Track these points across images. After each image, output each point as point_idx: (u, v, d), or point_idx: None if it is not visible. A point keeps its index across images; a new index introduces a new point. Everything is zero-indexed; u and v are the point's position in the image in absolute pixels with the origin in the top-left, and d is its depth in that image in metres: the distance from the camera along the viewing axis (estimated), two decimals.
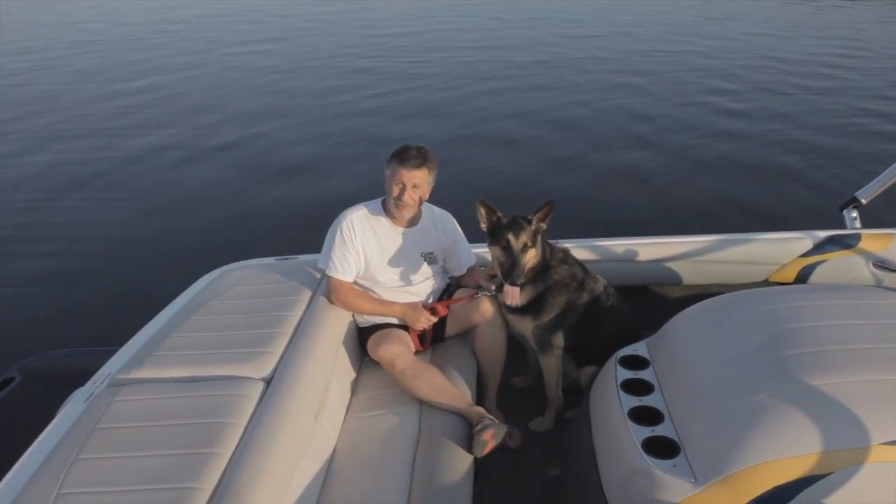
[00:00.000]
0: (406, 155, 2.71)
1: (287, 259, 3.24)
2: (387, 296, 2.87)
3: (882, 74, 11.65)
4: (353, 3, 21.96)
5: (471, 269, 3.06)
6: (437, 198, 2.96)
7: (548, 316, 2.79)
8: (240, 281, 2.97)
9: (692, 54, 13.59)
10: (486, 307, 2.84)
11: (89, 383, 2.37)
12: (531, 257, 2.68)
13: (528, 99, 10.37)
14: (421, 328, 2.86)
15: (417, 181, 2.72)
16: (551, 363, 2.88)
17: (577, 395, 2.85)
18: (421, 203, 2.83)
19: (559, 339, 2.83)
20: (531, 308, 2.78)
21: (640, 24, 17.74)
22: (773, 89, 10.60)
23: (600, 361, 2.62)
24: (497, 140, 8.48)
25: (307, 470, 2.12)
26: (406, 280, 2.88)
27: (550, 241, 2.87)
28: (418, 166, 2.70)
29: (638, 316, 2.97)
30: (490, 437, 2.35)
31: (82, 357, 3.04)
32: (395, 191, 2.73)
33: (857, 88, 10.71)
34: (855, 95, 10.24)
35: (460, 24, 18.29)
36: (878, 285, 3.18)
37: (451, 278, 3.12)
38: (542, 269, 2.76)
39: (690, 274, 3.38)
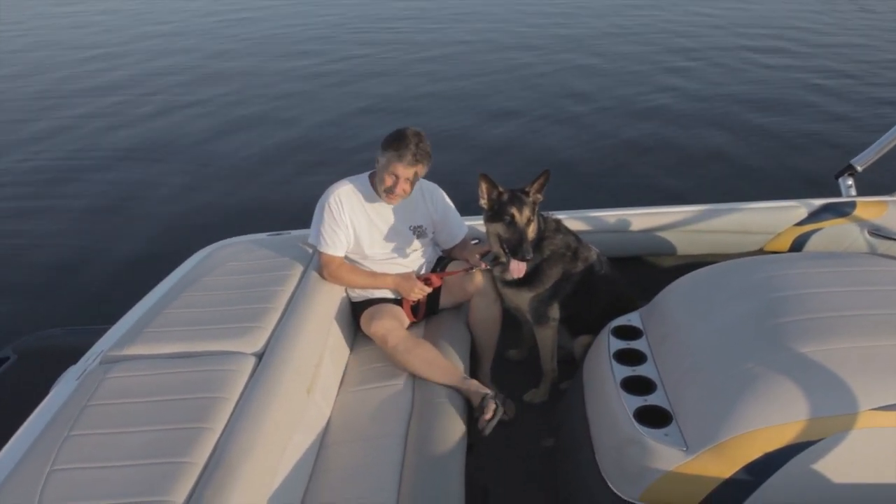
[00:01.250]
0: (405, 150, 2.60)
1: (279, 234, 3.22)
2: (377, 270, 2.86)
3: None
4: None
5: (464, 242, 3.04)
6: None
7: (544, 287, 2.78)
8: (232, 257, 2.95)
9: (654, 28, 13.53)
10: (481, 279, 2.83)
11: (82, 361, 2.37)
12: (532, 231, 2.67)
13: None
14: (415, 298, 2.84)
15: (411, 175, 2.66)
16: (547, 335, 2.88)
17: (571, 366, 2.85)
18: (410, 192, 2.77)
19: (555, 311, 2.82)
20: (527, 280, 2.76)
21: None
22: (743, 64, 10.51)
23: (595, 330, 2.62)
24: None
25: (299, 443, 2.13)
26: (395, 254, 2.86)
27: (542, 213, 2.86)
28: (415, 163, 2.63)
29: (632, 286, 2.96)
30: (495, 418, 2.38)
31: (76, 335, 3.04)
32: (388, 181, 2.67)
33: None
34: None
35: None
36: (874, 253, 3.17)
37: (443, 251, 3.10)
38: (538, 240, 2.75)
39: (685, 244, 3.36)
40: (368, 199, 2.80)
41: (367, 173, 2.84)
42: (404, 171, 2.64)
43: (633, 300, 2.80)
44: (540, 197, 2.70)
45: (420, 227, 2.89)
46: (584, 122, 7.90)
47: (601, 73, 10.05)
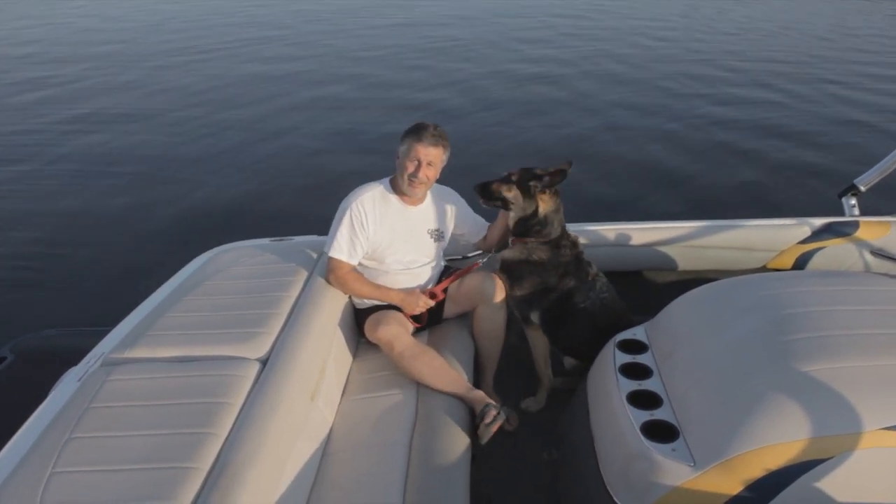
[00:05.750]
0: (424, 132, 2.68)
1: (282, 240, 3.21)
2: (392, 277, 2.84)
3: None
4: None
5: (491, 227, 3.08)
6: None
7: (520, 290, 2.83)
8: (235, 261, 2.94)
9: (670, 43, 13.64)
10: (485, 288, 2.83)
11: (83, 362, 2.34)
12: (511, 196, 2.82)
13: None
14: (419, 312, 2.84)
15: (432, 158, 2.70)
16: (533, 337, 2.91)
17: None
18: (433, 181, 2.82)
19: (536, 316, 2.85)
20: (512, 272, 2.85)
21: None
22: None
23: (575, 355, 2.78)
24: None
25: (303, 450, 2.11)
26: (413, 260, 2.86)
27: (570, 231, 2.90)
28: (434, 144, 2.69)
29: (633, 301, 2.96)
30: (493, 424, 2.37)
31: (75, 336, 3.02)
32: (411, 167, 2.70)
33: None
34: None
35: None
36: (879, 272, 3.18)
37: (475, 245, 3.14)
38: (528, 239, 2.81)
39: (686, 259, 3.37)
40: (391, 204, 2.80)
41: (389, 178, 2.85)
42: (425, 151, 2.68)
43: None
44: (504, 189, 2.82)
45: (438, 230, 2.91)
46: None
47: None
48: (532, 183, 2.77)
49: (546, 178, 2.76)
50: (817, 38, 14.22)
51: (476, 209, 3.07)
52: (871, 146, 7.18)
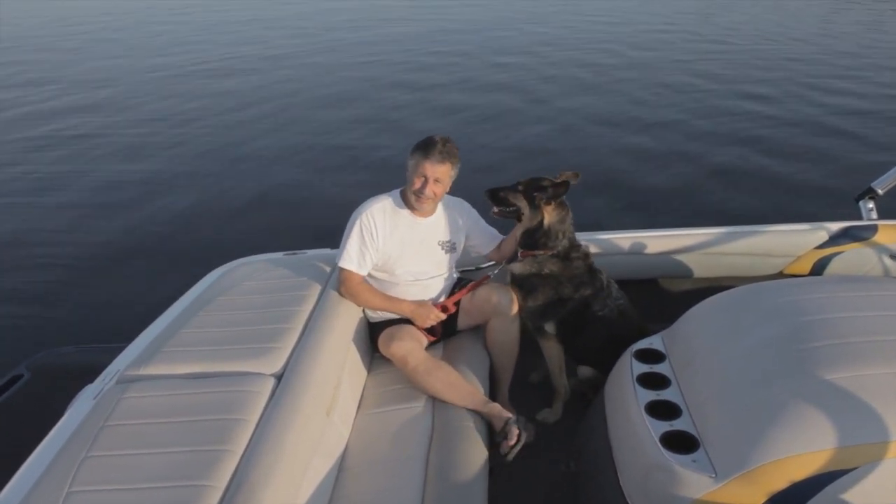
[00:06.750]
0: (431, 149, 2.65)
1: (295, 254, 3.21)
2: (402, 288, 2.84)
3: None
4: None
5: (502, 241, 3.05)
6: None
7: (533, 302, 2.82)
8: (248, 276, 2.94)
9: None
10: (499, 301, 2.81)
11: (98, 380, 2.35)
12: (524, 213, 2.83)
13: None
14: (429, 325, 2.83)
15: (440, 175, 2.68)
16: (548, 347, 2.89)
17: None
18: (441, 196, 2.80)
19: (550, 326, 2.84)
20: (521, 285, 2.84)
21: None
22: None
23: (592, 363, 2.75)
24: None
25: (319, 466, 2.09)
26: (423, 272, 2.85)
27: (579, 241, 2.89)
28: (442, 161, 2.66)
29: (649, 310, 2.93)
30: (518, 445, 2.36)
31: (90, 354, 3.02)
32: (417, 183, 2.69)
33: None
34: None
35: None
36: None
37: (487, 256, 3.10)
38: (541, 255, 2.80)
39: (702, 267, 3.34)
40: (401, 216, 2.80)
41: (399, 189, 2.85)
42: (432, 169, 2.65)
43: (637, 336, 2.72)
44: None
45: (449, 241, 2.90)
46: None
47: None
48: (536, 195, 2.77)
49: (550, 190, 2.75)
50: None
51: (489, 221, 3.05)
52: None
